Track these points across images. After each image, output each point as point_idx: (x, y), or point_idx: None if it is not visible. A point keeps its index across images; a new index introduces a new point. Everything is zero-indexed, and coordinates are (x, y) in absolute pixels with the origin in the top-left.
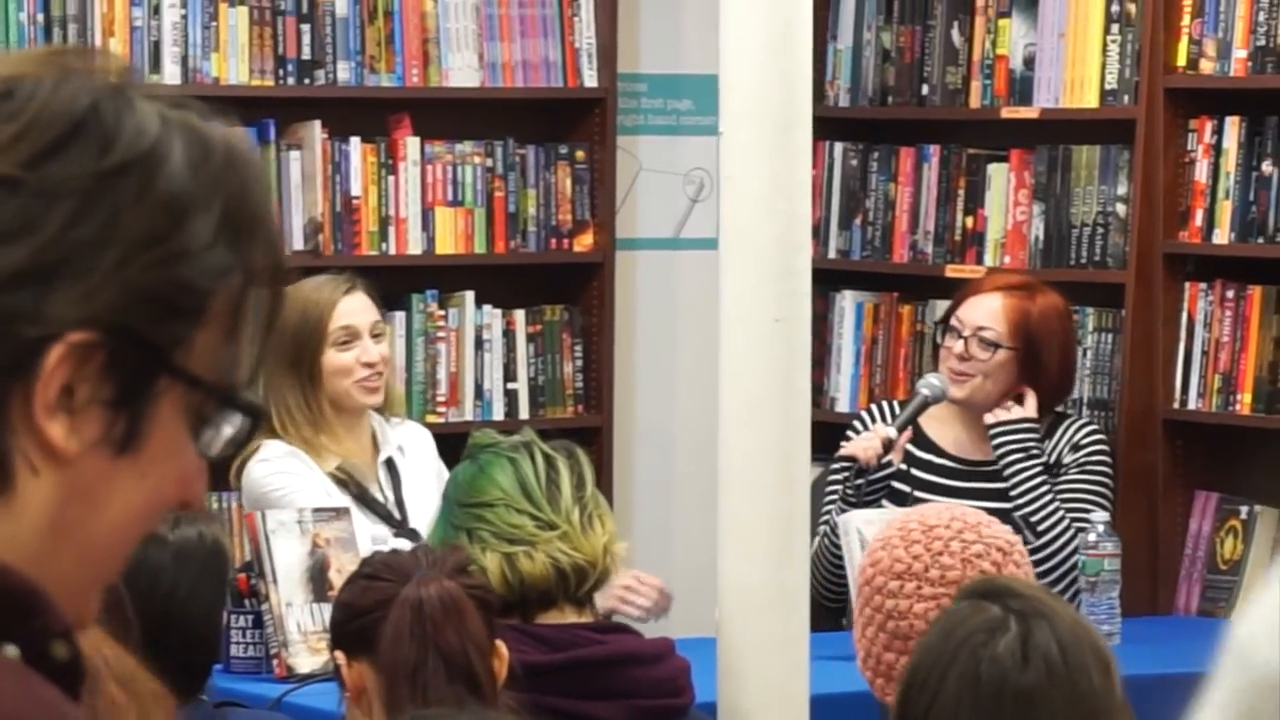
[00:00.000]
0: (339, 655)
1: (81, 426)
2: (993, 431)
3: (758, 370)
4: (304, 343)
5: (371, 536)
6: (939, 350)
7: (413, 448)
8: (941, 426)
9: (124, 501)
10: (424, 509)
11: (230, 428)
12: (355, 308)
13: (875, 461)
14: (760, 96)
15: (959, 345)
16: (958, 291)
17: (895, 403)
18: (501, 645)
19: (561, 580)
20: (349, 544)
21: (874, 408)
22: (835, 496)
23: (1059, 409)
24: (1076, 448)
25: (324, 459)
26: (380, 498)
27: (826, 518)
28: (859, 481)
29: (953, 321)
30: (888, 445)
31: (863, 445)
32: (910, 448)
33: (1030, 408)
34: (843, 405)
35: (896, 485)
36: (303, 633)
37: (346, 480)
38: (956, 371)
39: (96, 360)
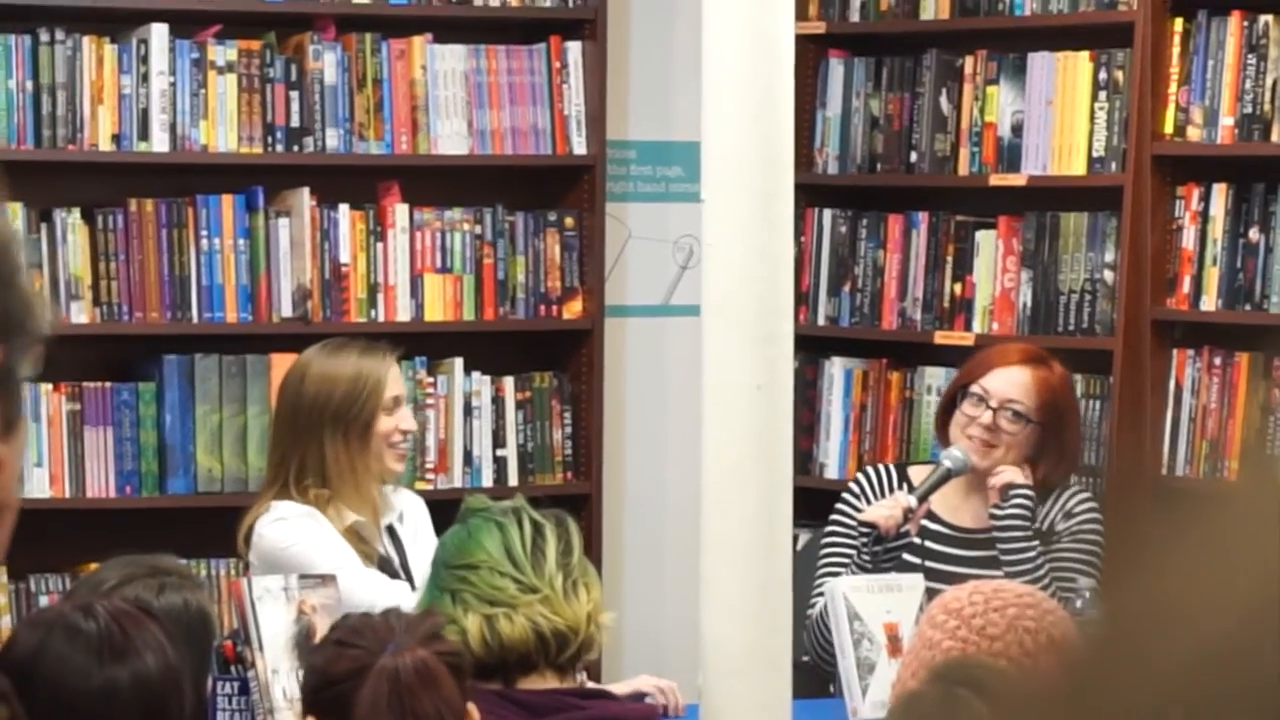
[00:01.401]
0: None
1: None
2: (1001, 511)
3: (739, 436)
4: (360, 405)
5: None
6: (952, 413)
7: (410, 516)
8: (945, 498)
9: (13, 468)
10: (424, 576)
11: (37, 354)
12: (398, 376)
13: (895, 530)
14: (742, 164)
15: (987, 416)
16: (975, 357)
17: (890, 466)
18: (473, 709)
19: (541, 644)
20: (334, 610)
21: (870, 471)
22: (839, 560)
23: None
24: (1070, 515)
25: (337, 519)
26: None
27: (829, 576)
28: (876, 548)
29: (976, 389)
30: (907, 514)
31: (885, 513)
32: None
33: (1018, 475)
34: (832, 471)
35: (907, 557)
36: (288, 699)
37: (358, 539)
38: (982, 441)
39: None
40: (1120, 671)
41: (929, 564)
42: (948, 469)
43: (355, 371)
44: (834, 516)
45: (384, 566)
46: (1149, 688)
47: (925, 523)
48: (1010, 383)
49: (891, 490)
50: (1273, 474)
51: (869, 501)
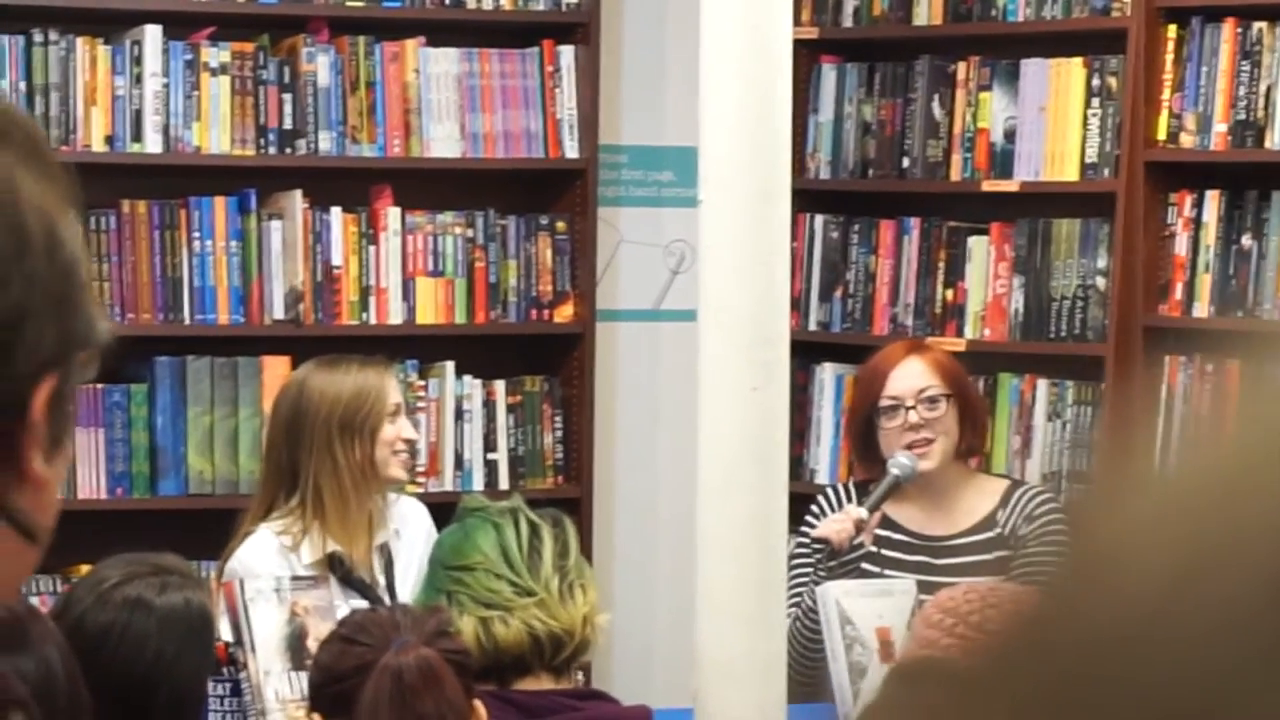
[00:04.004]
0: (316, 717)
1: (42, 447)
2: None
3: (735, 438)
4: (366, 412)
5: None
6: (878, 436)
7: (408, 529)
8: (900, 505)
9: (57, 487)
10: (415, 589)
11: (94, 364)
12: (397, 386)
13: (848, 543)
14: (740, 167)
15: (913, 416)
16: (864, 376)
17: (850, 484)
18: (479, 706)
19: (536, 647)
20: (327, 612)
21: (830, 491)
22: (804, 578)
23: (1013, 477)
24: (1031, 518)
25: (311, 549)
26: (369, 581)
27: (797, 599)
28: (832, 563)
29: (886, 401)
30: (859, 526)
31: (836, 528)
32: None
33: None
34: (822, 477)
35: (866, 566)
36: (280, 701)
37: (336, 564)
38: (917, 443)
39: (52, 391)
40: (1056, 624)
41: (887, 573)
42: (896, 476)
43: (359, 380)
44: (797, 539)
45: (360, 590)
46: (1082, 637)
47: (884, 532)
48: (911, 375)
49: None
50: (1207, 446)
51: None
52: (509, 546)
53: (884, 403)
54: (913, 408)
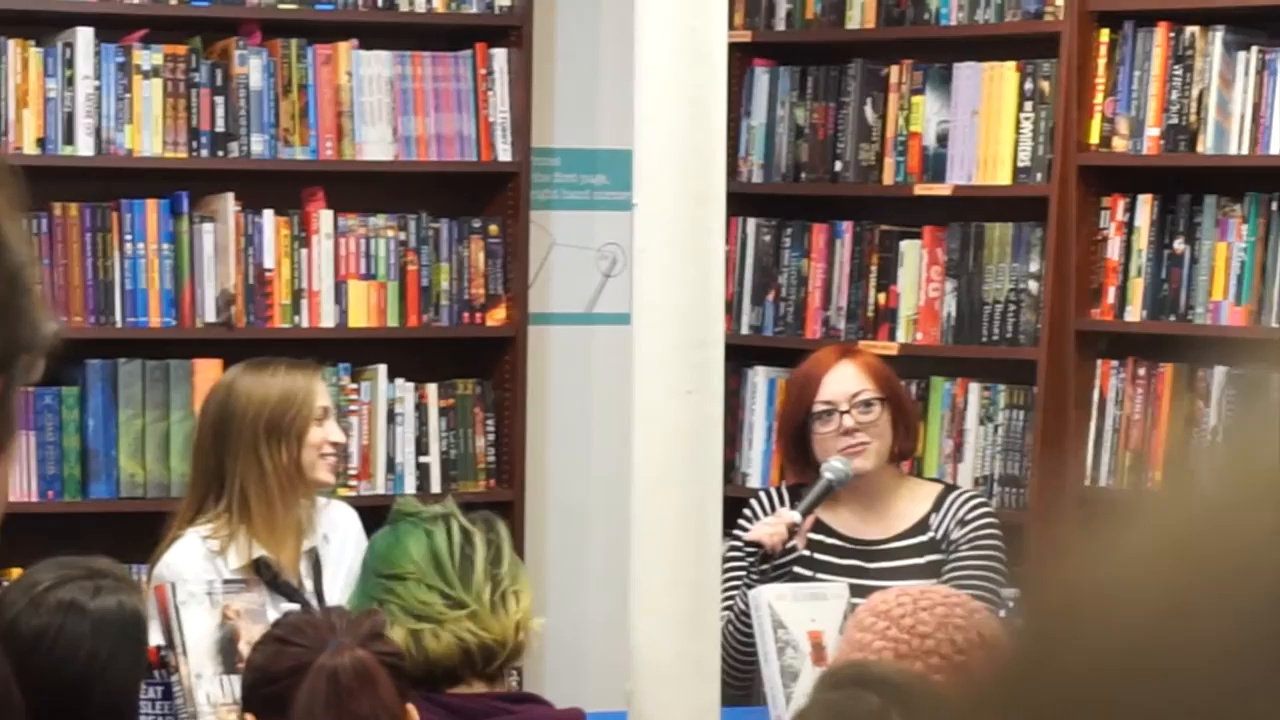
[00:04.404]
0: (249, 718)
1: None
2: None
3: (669, 441)
4: (293, 415)
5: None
6: (812, 441)
7: (338, 534)
8: (833, 509)
9: (3, 486)
10: (343, 594)
11: (38, 366)
12: (325, 389)
13: (780, 546)
14: (674, 170)
15: (846, 420)
16: (796, 382)
17: (783, 488)
18: (412, 709)
19: (467, 659)
20: (259, 616)
21: (763, 494)
22: (737, 581)
23: (946, 481)
24: (964, 523)
25: (242, 548)
26: (296, 586)
27: (730, 602)
28: (764, 566)
29: (819, 407)
30: (792, 530)
31: (768, 531)
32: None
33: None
34: (754, 481)
35: (799, 570)
36: (212, 704)
37: (264, 569)
38: (851, 447)
39: None
40: (1033, 674)
41: (820, 576)
42: (829, 480)
43: (287, 383)
44: (730, 542)
45: (288, 595)
46: (1061, 687)
47: (817, 536)
48: (844, 379)
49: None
50: (1192, 480)
51: None
52: (441, 554)
53: (818, 408)
54: (847, 412)
